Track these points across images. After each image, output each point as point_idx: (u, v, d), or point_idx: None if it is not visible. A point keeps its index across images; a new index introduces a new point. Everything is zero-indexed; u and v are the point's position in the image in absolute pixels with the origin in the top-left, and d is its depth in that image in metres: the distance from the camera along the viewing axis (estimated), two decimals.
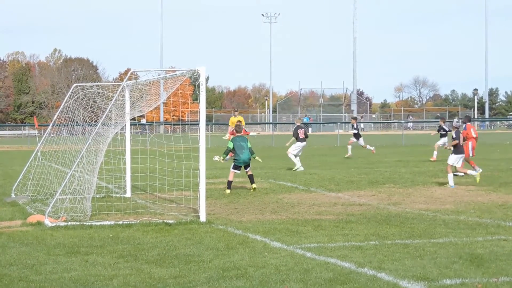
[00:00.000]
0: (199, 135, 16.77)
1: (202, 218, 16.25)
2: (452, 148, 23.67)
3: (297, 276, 10.72)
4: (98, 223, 15.83)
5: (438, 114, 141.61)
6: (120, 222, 15.92)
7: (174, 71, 19.84)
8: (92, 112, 21.29)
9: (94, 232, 14.90)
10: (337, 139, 61.55)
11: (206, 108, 16.89)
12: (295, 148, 31.44)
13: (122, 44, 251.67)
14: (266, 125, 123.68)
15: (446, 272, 10.94)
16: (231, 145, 22.70)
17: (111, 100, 18.89)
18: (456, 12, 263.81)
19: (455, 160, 23.57)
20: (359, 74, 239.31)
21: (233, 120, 39.50)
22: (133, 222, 15.92)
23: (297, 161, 31.13)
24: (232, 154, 23.12)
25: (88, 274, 11.04)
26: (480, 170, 24.86)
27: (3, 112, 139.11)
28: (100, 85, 22.06)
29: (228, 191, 22.05)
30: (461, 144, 23.78)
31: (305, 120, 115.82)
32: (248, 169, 22.66)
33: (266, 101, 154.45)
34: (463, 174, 25.23)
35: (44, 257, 12.35)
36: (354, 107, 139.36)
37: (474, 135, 27.44)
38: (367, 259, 11.93)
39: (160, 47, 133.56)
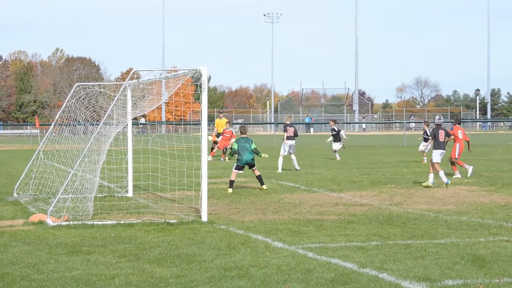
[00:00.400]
0: (200, 135, 16.77)
1: (204, 218, 16.25)
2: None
3: (299, 276, 10.72)
4: (100, 223, 15.83)
5: (440, 115, 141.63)
6: (122, 222, 15.93)
7: (176, 70, 19.82)
8: (94, 111, 21.29)
9: (96, 231, 14.91)
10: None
11: (208, 108, 16.87)
12: (283, 148, 31.05)
13: (124, 44, 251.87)
14: (268, 125, 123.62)
15: (448, 272, 10.94)
16: (236, 146, 22.78)
17: (113, 99, 18.90)
18: (459, 12, 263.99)
19: (437, 156, 23.62)
20: (361, 74, 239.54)
21: (218, 122, 39.47)
22: (135, 222, 15.92)
23: (294, 162, 30.76)
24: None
25: (90, 273, 11.05)
26: (459, 176, 24.78)
27: (5, 111, 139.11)
28: (102, 84, 22.07)
29: (230, 190, 22.08)
30: (441, 141, 23.80)
31: (307, 120, 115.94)
32: (254, 169, 22.76)
33: (268, 101, 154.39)
34: (459, 175, 25.50)
35: (46, 256, 12.35)
36: (355, 107, 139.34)
37: (461, 137, 27.39)
38: (369, 259, 11.93)
39: (162, 47, 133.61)
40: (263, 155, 23.39)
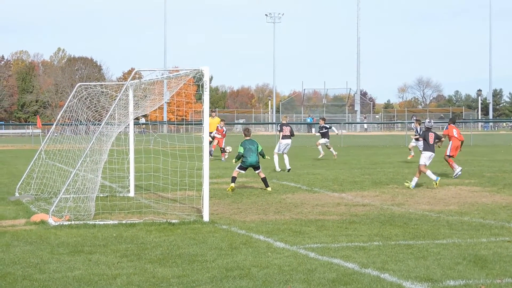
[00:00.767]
0: (202, 135, 16.78)
1: (206, 217, 16.26)
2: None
3: (301, 276, 10.72)
4: (101, 222, 15.84)
5: (442, 115, 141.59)
6: (124, 222, 15.94)
7: (178, 70, 19.83)
8: (96, 111, 21.31)
9: (98, 231, 14.91)
10: (340, 140, 61.48)
11: (210, 108, 16.87)
12: (278, 147, 30.81)
13: (126, 44, 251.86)
14: (269, 125, 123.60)
15: (450, 273, 10.94)
16: (241, 150, 22.82)
17: (115, 99, 18.91)
18: (460, 12, 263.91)
19: (425, 158, 23.61)
20: (363, 74, 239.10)
21: (210, 121, 39.36)
22: (137, 222, 15.93)
23: (286, 162, 30.46)
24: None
25: (91, 273, 11.05)
26: (438, 178, 24.74)
27: (7, 111, 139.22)
28: (104, 84, 22.08)
29: (232, 184, 22.19)
30: (430, 143, 23.79)
31: (308, 120, 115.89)
32: (259, 171, 22.82)
33: (270, 101, 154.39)
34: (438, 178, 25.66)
35: (47, 256, 12.36)
36: (357, 107, 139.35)
37: (456, 136, 27.38)
38: (370, 259, 11.93)
39: (163, 47, 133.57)
40: (266, 156, 23.46)
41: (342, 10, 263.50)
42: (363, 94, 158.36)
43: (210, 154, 37.60)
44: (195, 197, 18.50)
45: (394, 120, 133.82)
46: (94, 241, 13.78)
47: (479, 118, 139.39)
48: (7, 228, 15.28)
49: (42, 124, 63.73)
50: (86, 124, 22.13)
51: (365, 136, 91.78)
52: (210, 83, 16.36)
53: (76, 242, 13.71)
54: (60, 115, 22.06)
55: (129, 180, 21.37)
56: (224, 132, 39.55)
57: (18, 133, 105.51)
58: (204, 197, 16.34)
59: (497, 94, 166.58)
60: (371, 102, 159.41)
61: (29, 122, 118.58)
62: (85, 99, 21.16)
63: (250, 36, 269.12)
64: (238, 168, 22.82)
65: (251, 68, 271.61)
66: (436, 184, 23.03)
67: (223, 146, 39.23)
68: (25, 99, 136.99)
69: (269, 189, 22.57)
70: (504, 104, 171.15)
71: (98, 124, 20.32)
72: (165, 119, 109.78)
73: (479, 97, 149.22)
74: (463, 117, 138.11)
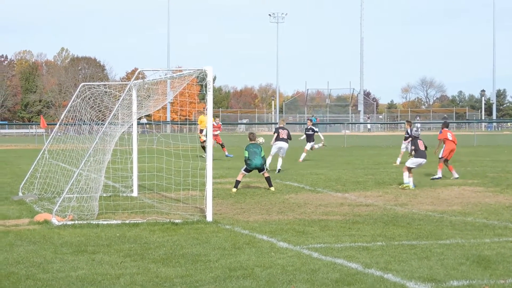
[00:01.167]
0: (206, 135, 16.77)
1: (209, 217, 16.26)
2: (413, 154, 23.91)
3: (304, 277, 10.72)
4: (105, 222, 15.85)
5: (445, 115, 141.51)
6: (127, 221, 15.95)
7: (181, 70, 19.84)
8: (99, 111, 21.31)
9: (101, 231, 14.92)
10: (343, 140, 61.48)
11: (213, 108, 16.87)
12: (274, 148, 30.28)
13: (129, 44, 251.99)
14: (273, 125, 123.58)
15: (453, 273, 10.93)
16: (246, 154, 22.88)
17: (118, 99, 18.92)
18: (464, 13, 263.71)
19: (413, 163, 23.57)
20: (366, 74, 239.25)
21: (202, 119, 39.18)
22: (140, 221, 15.93)
23: (279, 163, 29.95)
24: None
25: (95, 273, 11.06)
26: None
27: (10, 110, 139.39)
28: (108, 84, 22.09)
29: (234, 190, 22.16)
30: (421, 149, 23.73)
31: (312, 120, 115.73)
32: (263, 172, 22.86)
33: (273, 101, 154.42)
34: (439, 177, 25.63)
35: (51, 256, 12.37)
36: (361, 107, 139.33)
37: (451, 139, 27.33)
38: (374, 259, 11.93)
39: (167, 47, 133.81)
40: (268, 168, 23.38)
41: (346, 10, 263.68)
42: (367, 94, 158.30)
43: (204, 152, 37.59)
44: (198, 197, 18.51)
45: (397, 121, 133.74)
46: (97, 241, 13.78)
47: (483, 118, 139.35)
48: (10, 228, 15.29)
49: (47, 124, 63.70)
50: (90, 124, 22.14)
51: (368, 136, 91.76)
52: (213, 83, 16.35)
53: (80, 241, 13.72)
54: (63, 115, 22.07)
55: (133, 180, 21.38)
56: (218, 125, 39.36)
57: (22, 132, 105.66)
58: (208, 197, 16.35)
59: (500, 95, 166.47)
60: (375, 102, 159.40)
61: (32, 122, 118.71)
62: (89, 99, 21.17)
63: (253, 36, 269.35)
64: (244, 170, 22.86)
65: (255, 68, 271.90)
66: (403, 187, 22.96)
67: (221, 142, 39.11)
68: (28, 99, 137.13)
69: (272, 188, 22.58)
70: (508, 104, 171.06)
71: (101, 124, 20.33)
72: (168, 119, 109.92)
73: (483, 97, 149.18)
74: (467, 117, 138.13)
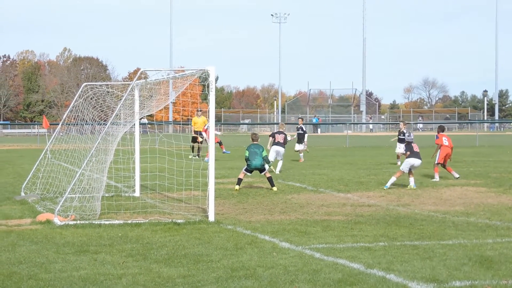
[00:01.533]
0: (208, 135, 16.77)
1: (211, 217, 16.26)
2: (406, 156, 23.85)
3: (306, 277, 10.71)
4: (107, 222, 15.85)
5: (448, 116, 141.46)
6: (129, 221, 15.95)
7: (184, 70, 19.83)
8: (102, 111, 21.32)
9: (103, 231, 14.92)
10: (346, 140, 61.47)
11: (215, 108, 16.87)
12: (271, 153, 29.50)
13: (132, 43, 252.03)
14: (275, 125, 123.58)
15: (456, 274, 10.92)
16: (246, 153, 22.94)
17: (121, 99, 18.91)
18: (466, 13, 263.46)
19: (406, 166, 23.50)
20: (368, 74, 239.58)
21: (196, 120, 39.00)
22: (142, 221, 15.93)
23: (278, 165, 29.69)
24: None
25: (97, 273, 11.05)
26: (457, 176, 24.72)
27: (12, 110, 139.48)
28: (110, 84, 22.10)
29: (237, 187, 22.23)
30: (415, 151, 23.65)
31: (314, 120, 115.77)
32: (264, 172, 22.90)
33: (275, 101, 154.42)
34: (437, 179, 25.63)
35: (53, 256, 12.37)
36: (363, 107, 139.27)
37: (447, 144, 27.26)
38: (376, 260, 11.92)
39: (169, 47, 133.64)
40: (271, 167, 23.34)
41: (348, 10, 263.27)
42: (369, 95, 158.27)
43: (198, 155, 37.22)
44: (201, 197, 18.51)
45: (399, 121, 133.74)
46: (99, 241, 13.78)
47: (485, 118, 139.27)
48: (12, 228, 15.30)
49: (49, 124, 63.72)
50: (92, 124, 22.15)
51: (370, 137, 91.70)
52: (215, 83, 16.28)
53: (82, 241, 13.72)
54: (66, 114, 22.08)
55: (135, 180, 21.38)
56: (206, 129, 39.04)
57: (24, 132, 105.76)
58: (210, 197, 16.35)
59: (503, 95, 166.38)
60: (377, 103, 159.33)
61: (34, 121, 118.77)
62: (91, 99, 21.17)
63: (256, 36, 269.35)
64: (244, 170, 22.90)
65: (257, 68, 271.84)
66: (384, 189, 22.95)
67: (219, 140, 38.77)
68: (30, 99, 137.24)
69: (274, 188, 22.58)
70: (510, 104, 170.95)
71: (103, 124, 20.33)
72: (170, 119, 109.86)
73: (485, 98, 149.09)
74: (469, 118, 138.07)
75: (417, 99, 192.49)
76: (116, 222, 15.95)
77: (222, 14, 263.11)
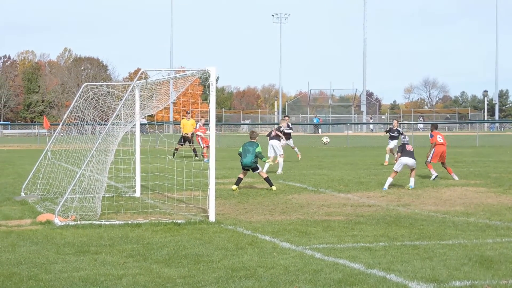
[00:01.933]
0: (208, 135, 16.77)
1: (212, 218, 16.26)
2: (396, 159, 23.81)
3: (306, 277, 10.71)
4: (107, 223, 15.85)
5: (448, 116, 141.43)
6: (130, 222, 15.95)
7: (184, 71, 19.84)
8: (102, 111, 21.32)
9: (104, 231, 14.92)
10: (346, 140, 61.46)
11: (216, 108, 16.87)
12: (269, 149, 29.48)
13: (132, 44, 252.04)
14: (275, 125, 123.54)
15: (456, 274, 10.93)
16: (240, 150, 22.93)
17: (121, 99, 18.92)
18: (467, 13, 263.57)
19: (399, 166, 23.45)
20: (369, 75, 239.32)
21: (185, 123, 38.70)
22: (143, 222, 15.94)
23: (280, 165, 29.52)
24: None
25: (97, 273, 11.06)
26: (456, 178, 24.87)
27: (13, 111, 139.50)
28: (110, 84, 22.11)
29: (234, 186, 22.24)
30: (408, 150, 23.57)
31: (315, 120, 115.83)
32: (259, 171, 22.75)
33: (276, 102, 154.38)
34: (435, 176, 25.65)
35: (53, 256, 12.37)
36: (363, 108, 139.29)
37: (441, 141, 27.24)
38: (376, 260, 11.92)
39: (170, 47, 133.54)
40: (268, 160, 23.16)
41: (349, 10, 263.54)
42: (369, 95, 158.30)
43: (196, 155, 36.79)
44: (201, 197, 18.51)
45: (400, 121, 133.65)
46: (100, 241, 13.79)
47: (485, 119, 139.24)
48: (12, 228, 15.30)
49: (50, 124, 63.72)
50: (92, 124, 22.15)
51: (370, 137, 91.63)
52: (216, 83, 16.28)
53: (82, 242, 13.72)
54: (66, 115, 22.08)
55: (135, 180, 21.38)
56: (203, 128, 38.57)
57: (24, 133, 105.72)
58: (210, 197, 16.35)
59: (503, 95, 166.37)
60: (377, 103, 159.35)
61: (35, 122, 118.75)
62: (91, 99, 21.17)
63: (256, 37, 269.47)
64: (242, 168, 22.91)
65: (258, 69, 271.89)
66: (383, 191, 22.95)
67: (208, 144, 38.23)
68: (31, 99, 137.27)
69: (274, 188, 22.55)
70: (510, 105, 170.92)
71: (104, 124, 20.34)
72: (171, 119, 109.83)
73: (485, 98, 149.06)
74: (469, 118, 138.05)
75: (418, 99, 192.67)
76: (117, 222, 15.95)
77: (223, 14, 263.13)
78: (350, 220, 16.53)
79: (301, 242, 13.59)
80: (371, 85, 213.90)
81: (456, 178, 26.25)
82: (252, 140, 22.94)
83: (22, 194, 21.01)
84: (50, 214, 16.56)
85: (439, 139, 27.16)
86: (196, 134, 37.46)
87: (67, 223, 15.67)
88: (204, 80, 17.02)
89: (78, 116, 21.42)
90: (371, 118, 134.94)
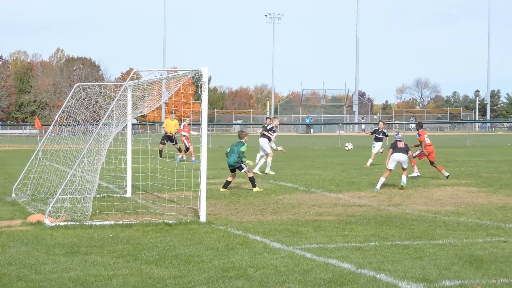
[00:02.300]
0: (200, 135, 16.76)
1: (202, 218, 16.26)
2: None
3: (297, 277, 10.72)
4: (98, 223, 15.83)
5: (440, 116, 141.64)
6: (120, 222, 15.93)
7: (177, 71, 19.82)
8: (94, 111, 21.28)
9: (94, 232, 14.91)
10: (338, 140, 61.50)
11: (208, 108, 16.86)
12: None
13: (125, 44, 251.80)
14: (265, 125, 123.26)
15: (446, 273, 10.95)
16: (227, 150, 22.94)
17: (113, 100, 18.89)
18: (459, 14, 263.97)
19: (392, 163, 23.46)
20: (361, 75, 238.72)
21: (168, 122, 38.55)
22: (133, 222, 15.93)
23: (268, 164, 29.48)
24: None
25: (87, 274, 11.05)
26: (446, 174, 25.05)
27: (4, 111, 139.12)
28: (102, 84, 22.05)
29: (222, 190, 22.23)
30: (399, 147, 23.56)
31: (307, 121, 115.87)
32: (244, 171, 22.62)
33: (268, 102, 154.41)
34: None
35: (43, 257, 12.35)
36: (355, 108, 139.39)
37: (428, 142, 27.28)
38: (366, 260, 11.94)
39: (163, 47, 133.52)
40: (247, 161, 22.91)
41: (341, 11, 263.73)
42: (362, 95, 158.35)
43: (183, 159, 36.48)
44: (192, 197, 18.51)
45: (392, 121, 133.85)
46: (90, 242, 13.77)
47: (477, 118, 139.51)
48: (3, 229, 15.27)
49: (41, 125, 63.55)
50: (84, 125, 22.11)
51: (362, 137, 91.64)
52: (208, 83, 16.25)
53: (72, 242, 13.70)
54: (58, 115, 22.04)
55: (126, 181, 21.36)
56: (187, 127, 38.24)
57: (16, 133, 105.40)
58: (201, 198, 16.35)
59: (494, 95, 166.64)
60: (369, 103, 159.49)
61: (26, 122, 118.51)
62: (83, 99, 21.13)
63: (249, 37, 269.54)
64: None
65: (250, 69, 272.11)
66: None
67: (189, 145, 37.57)
68: (23, 99, 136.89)
69: (255, 189, 22.38)
70: (502, 105, 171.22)
71: (96, 124, 20.30)
72: (163, 119, 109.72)
73: (477, 98, 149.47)
74: (461, 118, 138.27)
75: (410, 99, 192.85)
76: (107, 223, 15.94)
77: (216, 14, 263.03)
78: (341, 220, 16.55)
79: (291, 242, 13.60)
80: (363, 85, 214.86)
81: (446, 174, 26.34)
82: (240, 140, 22.92)
83: (13, 195, 20.97)
84: (41, 214, 16.53)
85: (427, 140, 27.22)
86: (181, 134, 37.24)
87: (57, 224, 15.65)
88: (196, 80, 17.02)
89: (69, 116, 21.38)
90: (362, 118, 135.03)
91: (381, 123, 36.22)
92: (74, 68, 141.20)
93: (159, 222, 15.93)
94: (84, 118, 21.33)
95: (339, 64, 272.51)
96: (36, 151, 22.17)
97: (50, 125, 24.61)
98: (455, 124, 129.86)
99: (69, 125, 22.20)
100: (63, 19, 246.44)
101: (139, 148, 21.68)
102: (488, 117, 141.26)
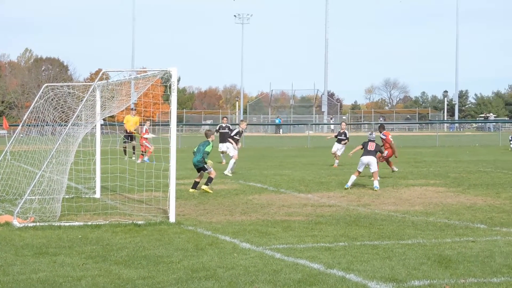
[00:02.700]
0: (169, 136, 16.73)
1: (172, 219, 16.23)
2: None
3: (266, 277, 10.73)
4: (67, 224, 15.75)
5: (408, 116, 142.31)
6: (89, 223, 15.86)
7: (146, 71, 19.77)
8: (63, 112, 21.17)
9: (63, 232, 14.83)
10: (307, 141, 61.63)
11: (177, 109, 16.84)
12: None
13: (94, 44, 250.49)
14: (236, 126, 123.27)
15: (415, 273, 11.01)
16: (194, 149, 22.94)
17: (82, 100, 18.81)
18: (427, 15, 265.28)
19: (361, 165, 23.56)
20: (330, 75, 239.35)
21: (129, 119, 38.36)
22: (102, 223, 15.86)
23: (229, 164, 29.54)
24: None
25: (56, 275, 10.99)
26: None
27: None
28: (71, 85, 21.96)
29: (191, 190, 22.20)
30: (369, 149, 23.65)
31: (277, 121, 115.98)
32: (207, 171, 22.45)
33: (237, 102, 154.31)
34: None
35: (12, 258, 12.27)
36: (324, 108, 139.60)
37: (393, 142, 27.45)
38: (336, 260, 11.98)
39: (132, 47, 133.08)
40: (208, 161, 22.74)
41: (311, 11, 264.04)
42: (331, 95, 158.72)
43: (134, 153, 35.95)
44: (161, 198, 18.46)
45: (361, 121, 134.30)
46: (59, 243, 13.70)
47: (445, 119, 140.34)
48: None
49: (10, 125, 62.98)
50: (53, 125, 21.98)
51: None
52: (178, 84, 16.21)
53: (41, 243, 13.62)
54: (26, 116, 21.89)
55: (95, 181, 21.26)
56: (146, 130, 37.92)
57: None
58: (171, 198, 16.32)
59: (463, 96, 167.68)
60: (338, 103, 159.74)
61: None
62: (52, 100, 21.01)
63: (218, 37, 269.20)
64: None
65: (219, 69, 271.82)
66: (345, 188, 23.05)
67: (146, 150, 36.88)
68: None
69: (204, 186, 22.19)
70: (470, 105, 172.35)
71: (64, 125, 20.19)
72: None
73: (445, 98, 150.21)
74: (429, 118, 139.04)
75: (379, 99, 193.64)
76: (76, 223, 15.86)
77: (185, 15, 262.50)
78: (310, 220, 16.59)
79: (261, 243, 13.61)
80: (332, 85, 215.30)
81: (395, 169, 26.65)
82: (207, 139, 22.86)
83: None
84: (9, 215, 16.41)
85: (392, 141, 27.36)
86: (144, 137, 36.93)
87: (26, 225, 15.54)
88: (165, 80, 16.99)
89: (38, 117, 21.24)
90: (331, 119, 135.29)
91: (343, 123, 35.79)
92: (43, 69, 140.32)
93: (128, 223, 15.88)
94: (53, 119, 21.21)
95: (308, 65, 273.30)
96: (4, 152, 22.02)
97: (18, 125, 24.46)
98: (424, 124, 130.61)
99: (37, 125, 22.07)
100: (31, 19, 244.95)
101: (108, 148, 21.62)
102: (456, 117, 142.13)
